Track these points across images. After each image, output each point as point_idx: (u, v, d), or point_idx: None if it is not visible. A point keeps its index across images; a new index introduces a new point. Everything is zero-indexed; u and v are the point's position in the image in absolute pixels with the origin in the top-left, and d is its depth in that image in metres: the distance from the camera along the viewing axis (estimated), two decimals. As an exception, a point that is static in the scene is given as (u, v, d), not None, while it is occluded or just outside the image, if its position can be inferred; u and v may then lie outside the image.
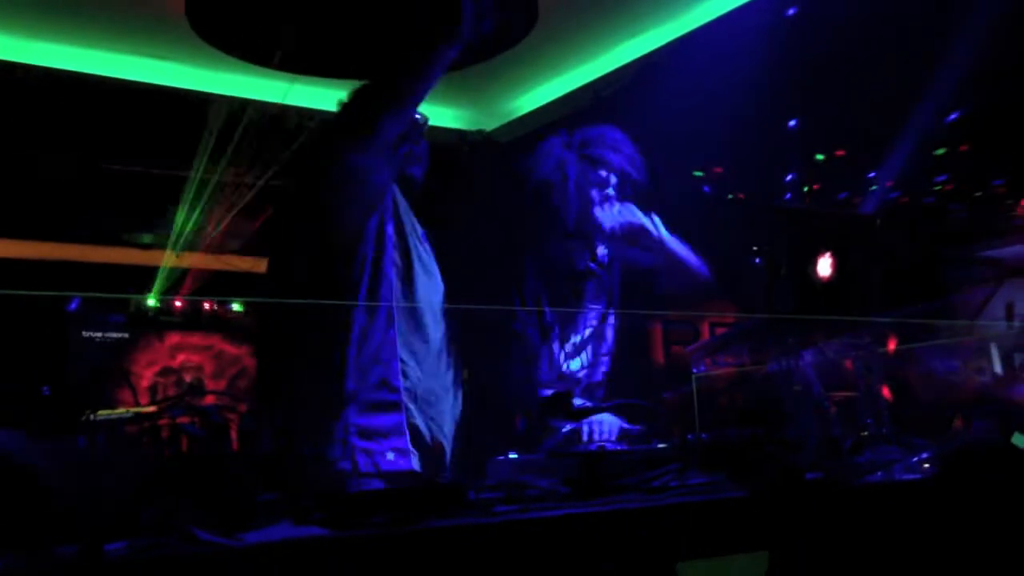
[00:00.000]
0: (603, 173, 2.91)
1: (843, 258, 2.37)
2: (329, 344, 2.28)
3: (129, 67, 4.47)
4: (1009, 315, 4.94)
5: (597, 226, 2.90)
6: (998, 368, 3.74)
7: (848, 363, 2.49)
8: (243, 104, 4.66)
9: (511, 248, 3.01)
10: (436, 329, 2.49)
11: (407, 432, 2.31)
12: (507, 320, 2.86)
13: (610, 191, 2.91)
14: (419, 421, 2.35)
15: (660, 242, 2.89)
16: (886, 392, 2.67)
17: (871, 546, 1.83)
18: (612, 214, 2.89)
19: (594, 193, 2.88)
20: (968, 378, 3.54)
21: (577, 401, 2.33)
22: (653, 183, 2.95)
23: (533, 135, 5.10)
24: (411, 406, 2.33)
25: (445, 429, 2.44)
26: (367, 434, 2.25)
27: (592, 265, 2.97)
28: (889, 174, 4.05)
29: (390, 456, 2.23)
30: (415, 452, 2.30)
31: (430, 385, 2.41)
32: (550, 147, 2.97)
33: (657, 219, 2.93)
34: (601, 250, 2.98)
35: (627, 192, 2.93)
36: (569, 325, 2.94)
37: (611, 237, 2.93)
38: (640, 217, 2.90)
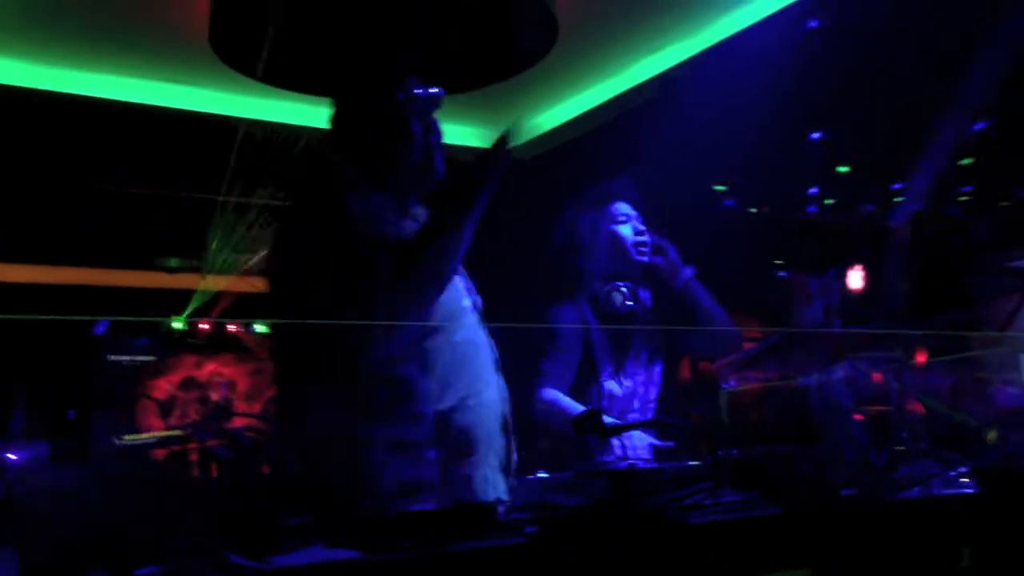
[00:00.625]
0: (619, 207, 3.07)
1: (874, 271, 2.34)
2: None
3: (153, 93, 4.51)
4: (1039, 326, 4.87)
5: (632, 270, 3.01)
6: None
7: (881, 377, 2.45)
8: (267, 127, 4.69)
9: (542, 282, 3.08)
10: (488, 359, 2.39)
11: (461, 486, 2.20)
12: (546, 349, 2.91)
13: (634, 222, 3.03)
14: (468, 469, 2.20)
15: (683, 279, 3.00)
16: (919, 406, 2.63)
17: (910, 563, 1.80)
18: (641, 247, 3.00)
19: (619, 231, 3.01)
20: (1000, 390, 3.50)
21: (607, 419, 2.31)
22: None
23: (555, 153, 5.12)
24: (457, 455, 2.22)
25: (492, 476, 2.26)
26: (407, 487, 2.15)
27: (635, 305, 3.03)
28: (915, 185, 4.02)
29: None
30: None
31: (481, 426, 2.29)
32: (564, 215, 3.15)
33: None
34: (643, 293, 3.07)
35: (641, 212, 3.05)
36: (616, 364, 2.99)
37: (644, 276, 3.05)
38: (671, 252, 3.04)
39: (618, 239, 3.05)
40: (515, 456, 2.35)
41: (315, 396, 2.19)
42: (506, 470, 2.31)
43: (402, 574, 1.47)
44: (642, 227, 3.06)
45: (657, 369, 3.07)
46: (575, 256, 3.03)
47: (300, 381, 2.25)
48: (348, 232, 2.19)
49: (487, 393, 2.31)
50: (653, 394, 3.05)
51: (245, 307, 4.93)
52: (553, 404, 2.85)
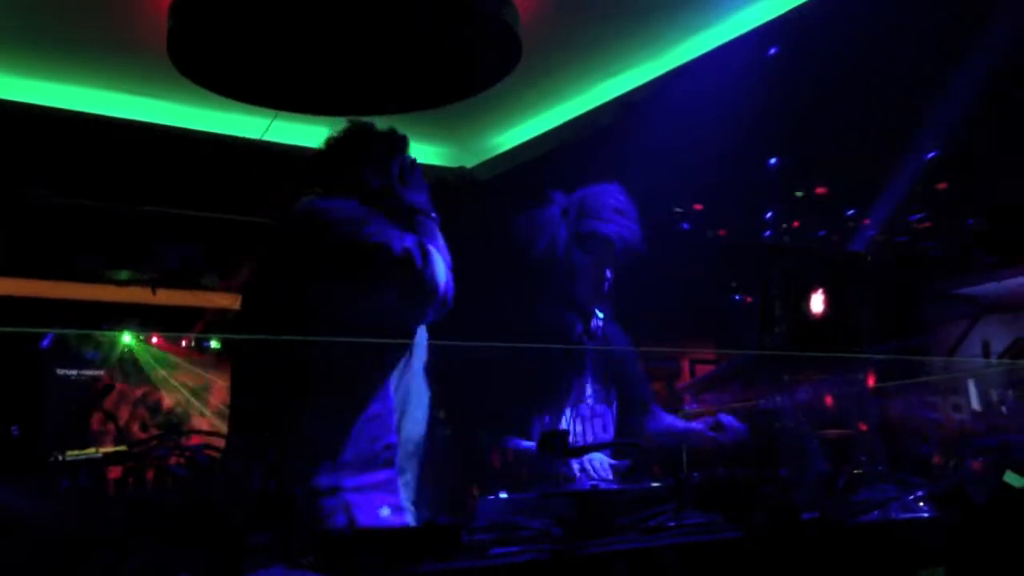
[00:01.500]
0: (601, 251, 2.82)
1: (836, 295, 2.37)
2: (339, 392, 2.22)
3: (109, 103, 4.43)
4: (986, 352, 4.99)
5: (592, 301, 2.85)
6: (976, 404, 3.76)
7: (837, 400, 2.48)
8: (224, 140, 4.63)
9: (500, 302, 2.95)
10: (424, 376, 2.44)
11: (399, 489, 2.25)
12: (494, 371, 2.76)
13: (606, 271, 2.86)
14: (410, 475, 2.30)
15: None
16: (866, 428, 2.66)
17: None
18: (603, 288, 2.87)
19: (593, 273, 2.82)
20: (947, 415, 3.56)
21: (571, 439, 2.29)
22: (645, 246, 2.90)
23: (515, 172, 5.12)
24: (403, 461, 2.29)
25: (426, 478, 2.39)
26: (361, 489, 2.19)
27: (585, 338, 2.85)
28: (872, 212, 4.09)
29: (385, 512, 2.18)
30: (409, 508, 2.24)
31: (418, 434, 2.36)
32: (545, 220, 2.88)
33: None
34: (595, 322, 2.90)
35: (621, 259, 2.88)
36: (565, 399, 2.83)
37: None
38: None
39: (590, 274, 2.84)
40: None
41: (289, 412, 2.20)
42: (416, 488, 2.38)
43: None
44: (610, 274, 2.86)
45: (611, 407, 2.95)
46: (544, 274, 2.85)
47: (278, 397, 2.24)
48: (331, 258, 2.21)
49: (420, 418, 2.39)
50: (608, 434, 2.91)
51: (202, 322, 4.88)
52: (514, 449, 2.69)
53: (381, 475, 2.25)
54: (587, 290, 2.84)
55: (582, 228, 2.81)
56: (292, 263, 2.27)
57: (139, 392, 5.27)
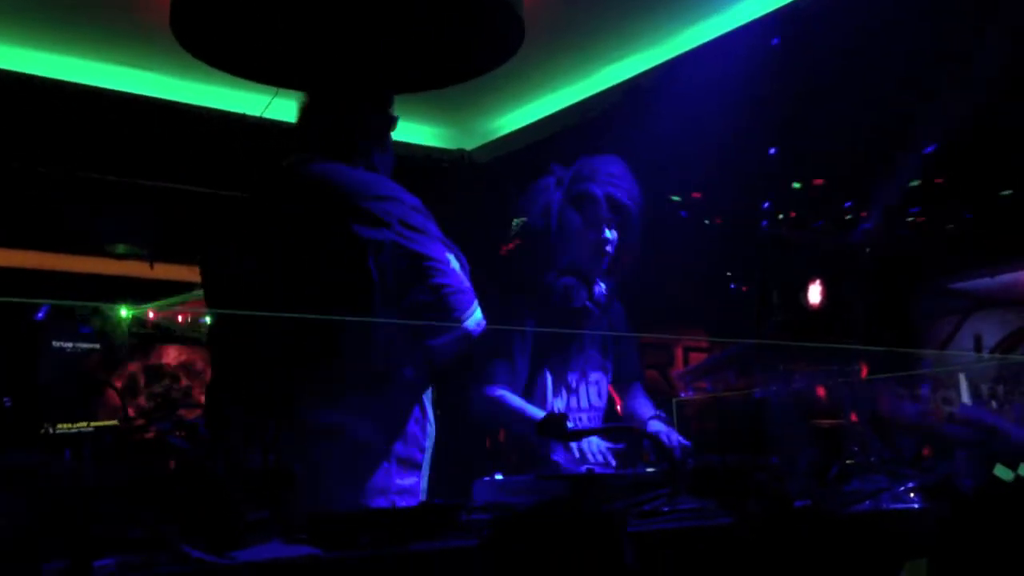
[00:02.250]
0: (593, 211, 2.85)
1: (833, 287, 2.38)
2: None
3: (108, 75, 4.41)
4: (977, 347, 5.01)
5: (592, 264, 2.86)
6: (966, 398, 3.76)
7: (832, 390, 2.49)
8: (224, 116, 4.62)
9: (499, 278, 2.95)
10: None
11: (420, 494, 2.29)
12: (496, 349, 2.77)
13: (605, 230, 2.88)
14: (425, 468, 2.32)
15: None
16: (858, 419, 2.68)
17: None
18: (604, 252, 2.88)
19: (588, 234, 2.82)
20: (937, 408, 3.56)
21: (570, 423, 2.31)
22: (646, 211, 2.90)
23: (514, 156, 5.12)
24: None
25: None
26: (403, 493, 2.23)
27: (589, 304, 2.88)
28: (870, 205, 4.10)
29: None
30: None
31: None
32: (541, 188, 2.92)
33: None
34: (599, 289, 2.91)
35: (620, 220, 2.88)
36: (564, 363, 2.88)
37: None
38: None
39: (586, 236, 2.87)
40: None
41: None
42: None
43: (363, 572, 1.46)
44: (612, 235, 2.90)
45: (607, 374, 2.98)
46: (540, 238, 2.86)
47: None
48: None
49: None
50: (602, 400, 2.96)
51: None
52: (501, 402, 2.74)
53: (415, 477, 2.27)
54: (585, 253, 2.85)
55: (574, 190, 2.84)
56: (324, 229, 2.24)
57: (134, 366, 5.27)
